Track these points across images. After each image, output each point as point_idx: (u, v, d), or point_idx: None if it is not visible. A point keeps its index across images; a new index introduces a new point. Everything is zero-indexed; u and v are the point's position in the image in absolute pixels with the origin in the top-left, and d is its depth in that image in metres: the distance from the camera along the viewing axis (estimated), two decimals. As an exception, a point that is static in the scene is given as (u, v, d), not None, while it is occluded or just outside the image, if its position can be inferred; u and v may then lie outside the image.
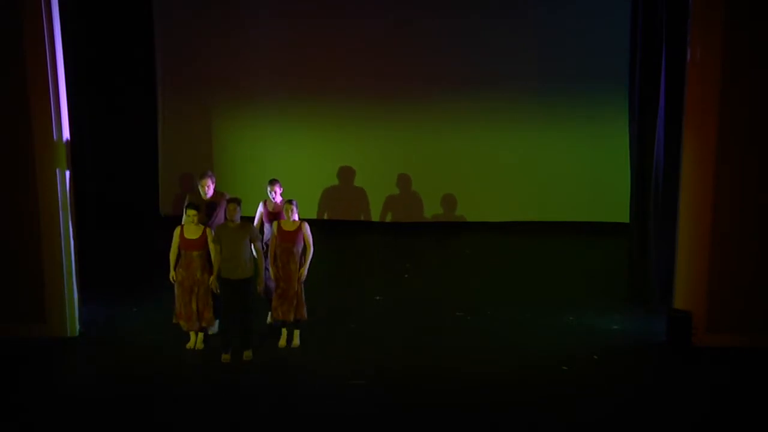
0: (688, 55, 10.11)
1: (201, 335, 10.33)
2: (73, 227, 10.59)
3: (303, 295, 10.36)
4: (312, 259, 10.32)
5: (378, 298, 11.91)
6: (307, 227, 10.32)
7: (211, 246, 10.09)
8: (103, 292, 11.75)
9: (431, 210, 14.82)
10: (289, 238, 10.26)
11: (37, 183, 10.35)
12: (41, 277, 10.55)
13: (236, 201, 10.00)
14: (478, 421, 8.85)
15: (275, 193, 10.87)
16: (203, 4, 14.45)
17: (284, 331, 10.43)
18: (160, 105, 14.70)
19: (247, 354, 10.10)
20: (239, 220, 9.98)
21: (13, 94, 10.18)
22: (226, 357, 10.03)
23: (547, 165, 14.52)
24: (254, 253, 10.05)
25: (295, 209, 10.26)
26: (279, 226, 10.31)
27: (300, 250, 10.29)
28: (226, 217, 10.20)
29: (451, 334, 10.78)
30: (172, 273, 10.20)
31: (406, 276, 12.76)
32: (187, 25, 14.48)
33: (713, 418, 8.99)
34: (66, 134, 10.48)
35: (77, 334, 10.71)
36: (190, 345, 10.30)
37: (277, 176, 11.11)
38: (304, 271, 10.29)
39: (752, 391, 9.47)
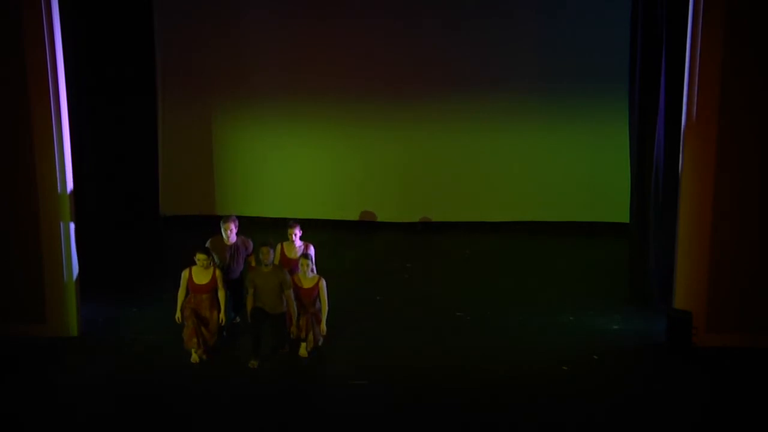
0: (688, 55, 10.11)
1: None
2: (73, 227, 10.59)
3: (319, 334, 10.14)
4: (328, 313, 10.18)
5: (378, 297, 11.90)
6: (323, 284, 10.09)
7: (220, 289, 10.08)
8: (103, 292, 11.73)
9: (431, 210, 14.80)
10: (305, 293, 10.08)
11: (37, 183, 10.35)
12: (41, 277, 10.55)
13: (270, 245, 9.92)
14: (478, 421, 8.86)
15: (295, 236, 10.56)
16: (203, 4, 14.43)
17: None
18: (160, 105, 14.67)
19: (284, 349, 10.19)
20: (272, 264, 9.93)
21: (13, 94, 10.18)
22: (253, 363, 9.95)
23: (547, 165, 14.49)
24: (285, 300, 9.96)
25: (311, 264, 10.05)
26: (294, 283, 10.05)
27: (318, 305, 10.13)
28: (247, 261, 10.50)
29: (451, 334, 10.79)
30: (178, 314, 10.11)
31: (406, 276, 12.76)
32: (187, 25, 14.47)
33: (713, 419, 9.00)
34: (66, 134, 10.47)
35: (77, 334, 10.70)
36: (194, 360, 10.09)
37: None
38: (324, 327, 10.12)
39: (752, 391, 9.47)
